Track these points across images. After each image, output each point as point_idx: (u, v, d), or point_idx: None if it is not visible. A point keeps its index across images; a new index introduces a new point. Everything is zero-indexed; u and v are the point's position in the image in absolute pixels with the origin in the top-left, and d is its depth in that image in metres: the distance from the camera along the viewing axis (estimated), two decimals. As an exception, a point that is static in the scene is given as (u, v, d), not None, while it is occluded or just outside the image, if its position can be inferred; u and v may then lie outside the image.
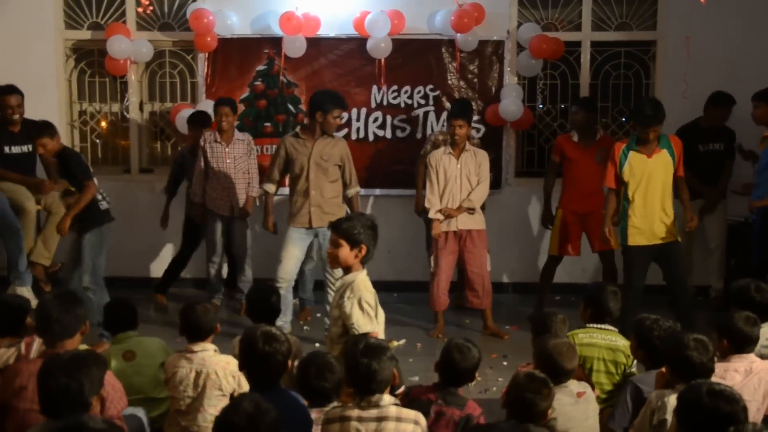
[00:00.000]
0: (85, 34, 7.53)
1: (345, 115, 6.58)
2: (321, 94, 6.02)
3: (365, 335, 3.50)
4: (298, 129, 6.12)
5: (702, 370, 3.30)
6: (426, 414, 3.39)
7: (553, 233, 6.55)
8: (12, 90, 6.52)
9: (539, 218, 6.91)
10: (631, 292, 5.60)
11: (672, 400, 3.27)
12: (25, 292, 6.37)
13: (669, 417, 3.24)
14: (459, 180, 6.05)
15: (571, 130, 6.60)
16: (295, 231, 5.98)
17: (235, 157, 6.55)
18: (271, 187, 6.14)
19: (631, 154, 5.48)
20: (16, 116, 6.52)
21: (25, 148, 6.62)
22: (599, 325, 4.25)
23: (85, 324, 3.71)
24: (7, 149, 6.58)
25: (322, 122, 5.86)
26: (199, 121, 6.82)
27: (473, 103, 7.01)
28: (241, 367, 3.41)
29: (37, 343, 4.00)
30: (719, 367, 3.60)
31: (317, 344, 5.73)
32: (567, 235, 6.45)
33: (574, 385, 3.64)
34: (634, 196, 5.51)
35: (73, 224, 5.79)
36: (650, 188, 5.49)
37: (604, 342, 4.13)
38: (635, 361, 4.15)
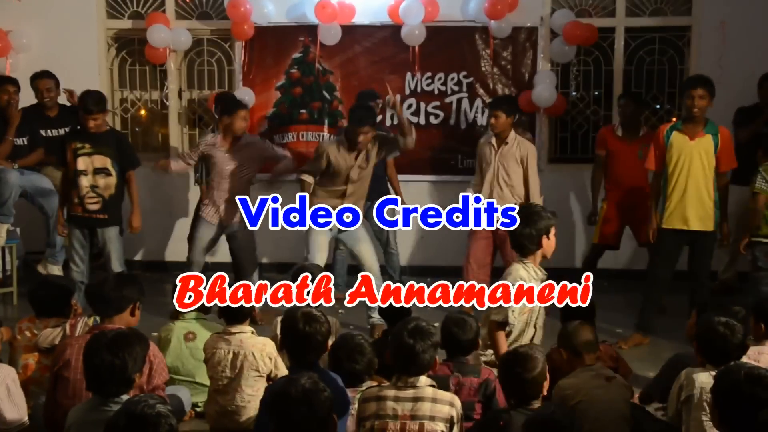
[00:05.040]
0: (126, 24, 7.69)
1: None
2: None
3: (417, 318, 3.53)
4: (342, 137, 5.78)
5: (728, 354, 3.33)
6: (446, 387, 3.49)
7: (597, 224, 6.53)
8: (43, 74, 6.71)
9: (575, 205, 6.85)
10: (653, 280, 5.48)
11: (700, 378, 3.34)
12: (56, 270, 6.57)
13: (696, 393, 3.32)
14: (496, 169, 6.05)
15: (606, 122, 6.53)
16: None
17: (240, 162, 5.94)
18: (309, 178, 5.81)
19: (674, 134, 5.31)
20: (47, 100, 6.71)
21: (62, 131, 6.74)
22: None
23: (135, 303, 3.83)
24: (43, 133, 6.75)
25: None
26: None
27: (506, 90, 7.02)
28: (281, 347, 3.50)
29: (81, 324, 4.16)
30: (753, 350, 3.65)
31: (351, 327, 5.82)
32: (609, 227, 6.39)
33: (602, 370, 3.67)
34: (672, 177, 5.32)
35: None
36: (689, 171, 5.27)
37: None
38: None
